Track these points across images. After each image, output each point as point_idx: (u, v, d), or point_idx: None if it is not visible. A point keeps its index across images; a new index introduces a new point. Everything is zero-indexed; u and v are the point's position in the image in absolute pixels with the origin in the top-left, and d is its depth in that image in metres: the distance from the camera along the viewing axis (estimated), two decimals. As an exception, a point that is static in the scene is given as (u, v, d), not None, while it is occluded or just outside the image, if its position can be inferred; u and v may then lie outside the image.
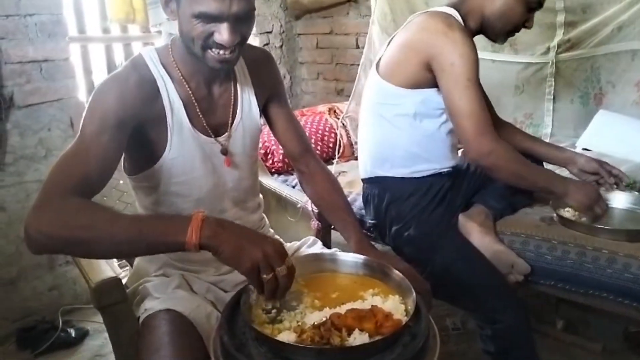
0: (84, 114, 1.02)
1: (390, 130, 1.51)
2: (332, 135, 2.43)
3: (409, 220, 1.49)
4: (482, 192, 1.57)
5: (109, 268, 1.18)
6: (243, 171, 1.22)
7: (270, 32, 3.08)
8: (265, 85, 1.25)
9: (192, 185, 1.15)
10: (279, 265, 0.84)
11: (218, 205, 1.19)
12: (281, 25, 3.14)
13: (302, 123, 2.42)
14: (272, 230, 1.40)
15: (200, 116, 1.13)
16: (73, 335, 2.03)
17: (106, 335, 2.00)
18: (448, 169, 1.54)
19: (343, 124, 2.45)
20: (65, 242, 0.87)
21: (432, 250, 1.44)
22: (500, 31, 1.45)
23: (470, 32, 1.43)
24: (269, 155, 2.27)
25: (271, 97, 1.28)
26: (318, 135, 2.41)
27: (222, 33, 0.98)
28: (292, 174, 2.27)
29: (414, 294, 0.91)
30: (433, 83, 1.41)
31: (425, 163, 1.51)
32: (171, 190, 1.14)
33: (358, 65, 2.67)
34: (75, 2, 2.33)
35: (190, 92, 1.11)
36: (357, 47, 2.96)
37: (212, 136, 1.15)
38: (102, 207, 0.93)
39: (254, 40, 3.01)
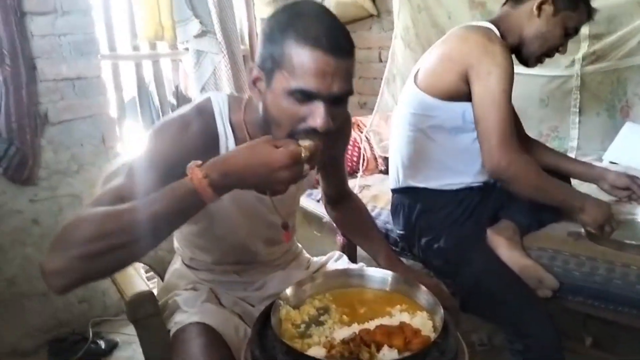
0: (141, 151, 0.97)
1: (424, 142, 1.52)
2: (356, 149, 2.44)
3: (439, 232, 1.50)
4: (509, 207, 1.57)
5: (143, 282, 1.21)
6: (287, 219, 1.19)
7: (294, 47, 3.12)
8: (335, 144, 1.23)
9: (232, 231, 1.17)
10: (299, 172, 0.82)
11: (253, 245, 1.21)
12: (305, 40, 3.18)
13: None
14: (299, 245, 1.43)
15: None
16: (103, 346, 2.08)
17: (135, 346, 2.07)
18: (479, 184, 1.54)
19: (367, 138, 2.47)
20: (89, 245, 0.78)
21: (462, 263, 1.45)
22: (534, 53, 1.46)
23: (510, 47, 1.45)
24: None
25: (334, 152, 1.27)
26: (342, 149, 2.43)
27: (316, 116, 0.88)
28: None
29: (442, 310, 0.91)
30: (469, 96, 1.42)
31: (459, 176, 1.52)
32: (211, 229, 1.16)
33: (381, 79, 2.69)
34: (106, 22, 2.40)
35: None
36: (380, 60, 2.98)
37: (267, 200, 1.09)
38: (109, 211, 0.81)
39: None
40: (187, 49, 2.61)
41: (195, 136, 0.98)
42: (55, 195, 2.09)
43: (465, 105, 1.44)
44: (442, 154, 1.51)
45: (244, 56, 2.94)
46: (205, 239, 1.20)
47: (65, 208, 2.11)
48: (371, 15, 2.92)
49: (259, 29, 3.08)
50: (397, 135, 1.62)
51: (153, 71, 2.61)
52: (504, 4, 1.53)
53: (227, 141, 1.03)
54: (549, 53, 1.47)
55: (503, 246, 1.46)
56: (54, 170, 2.08)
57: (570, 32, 1.44)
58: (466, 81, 1.40)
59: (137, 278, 1.23)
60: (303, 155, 0.83)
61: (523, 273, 1.41)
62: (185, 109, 1.04)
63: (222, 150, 1.02)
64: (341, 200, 1.39)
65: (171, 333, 1.11)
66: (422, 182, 1.55)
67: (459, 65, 1.40)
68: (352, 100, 3.15)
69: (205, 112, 1.02)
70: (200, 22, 2.50)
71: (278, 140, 0.85)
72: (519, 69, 2.28)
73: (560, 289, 1.41)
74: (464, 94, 1.43)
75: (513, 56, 1.49)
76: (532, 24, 1.44)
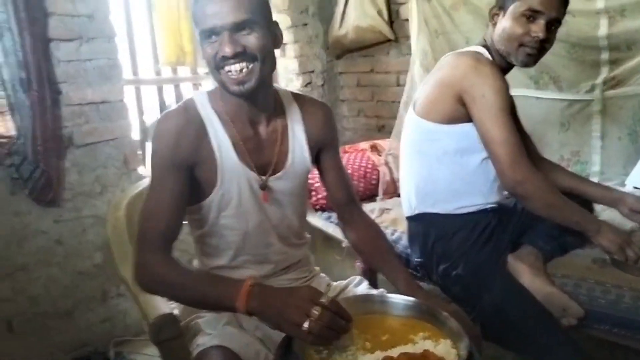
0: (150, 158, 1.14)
1: (431, 167, 1.53)
2: (375, 172, 2.45)
3: (456, 259, 1.49)
4: (530, 233, 1.56)
5: (166, 304, 1.22)
6: (287, 210, 1.25)
7: (312, 72, 3.16)
8: (319, 135, 1.28)
9: (239, 219, 1.19)
10: (309, 311, 0.89)
11: (264, 239, 1.23)
12: (323, 65, 3.22)
13: (344, 160, 2.49)
14: (317, 268, 1.43)
15: (248, 154, 1.17)
16: (123, 366, 2.08)
17: (155, 368, 2.06)
18: (493, 205, 1.54)
19: (386, 161, 2.47)
20: (162, 294, 1.16)
21: (481, 290, 1.43)
22: (510, 51, 1.45)
23: (500, 68, 1.47)
24: (313, 192, 2.30)
25: (325, 147, 1.31)
26: (360, 172, 2.44)
27: (222, 45, 1.03)
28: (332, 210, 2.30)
29: (467, 338, 0.91)
30: (469, 117, 1.45)
31: (469, 198, 1.52)
32: (220, 223, 1.20)
33: (399, 102, 2.71)
34: (129, 48, 2.46)
35: (236, 131, 1.16)
36: (398, 84, 3.00)
37: (258, 174, 1.18)
38: (182, 270, 1.08)
39: (297, 79, 3.10)
40: (207, 74, 2.66)
41: (185, 128, 1.12)
42: (79, 216, 2.12)
43: (467, 126, 1.46)
44: (451, 177, 1.52)
45: (264, 80, 2.99)
46: (217, 237, 1.23)
47: (89, 229, 2.15)
48: (389, 40, 2.95)
49: (277, 54, 3.13)
50: (405, 163, 1.64)
51: (174, 95, 2.66)
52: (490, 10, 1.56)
53: (213, 124, 1.15)
54: (522, 44, 1.43)
55: (526, 273, 1.44)
56: (78, 191, 2.12)
57: (529, 15, 1.40)
58: (463, 104, 1.44)
59: (160, 300, 1.25)
60: (323, 298, 0.92)
61: (547, 301, 1.39)
62: (171, 108, 1.18)
63: (211, 133, 1.14)
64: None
65: (193, 355, 1.12)
66: (434, 208, 1.55)
67: (453, 90, 1.44)
68: (370, 123, 3.20)
69: (189, 106, 1.16)
70: (221, 47, 2.54)
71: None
72: (538, 93, 2.34)
73: (585, 318, 1.39)
74: (463, 116, 1.46)
75: (524, 74, 1.51)
76: (494, 32, 1.48)
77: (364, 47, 3.07)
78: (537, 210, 1.42)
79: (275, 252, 1.25)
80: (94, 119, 2.15)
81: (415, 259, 1.62)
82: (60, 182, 2.06)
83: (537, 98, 2.36)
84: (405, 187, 1.65)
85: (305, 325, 0.88)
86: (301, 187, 1.29)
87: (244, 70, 1.06)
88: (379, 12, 2.84)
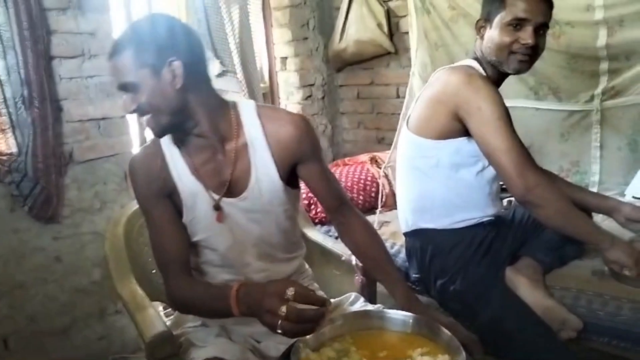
0: None
1: (427, 182, 1.53)
2: (374, 184, 2.45)
3: (453, 274, 1.48)
4: (529, 244, 1.55)
5: (162, 322, 1.22)
6: (267, 227, 1.23)
7: (312, 85, 3.18)
8: (290, 149, 1.21)
9: (213, 242, 1.22)
10: (277, 311, 0.89)
11: (240, 259, 1.23)
12: (323, 78, 3.24)
13: (344, 172, 2.49)
14: (316, 285, 1.42)
15: (206, 178, 1.19)
16: (121, 384, 2.07)
17: (153, 385, 2.05)
18: (490, 218, 1.53)
19: (385, 174, 2.47)
20: (193, 314, 1.25)
21: (480, 305, 1.42)
22: (501, 60, 1.45)
23: (492, 80, 1.47)
24: (312, 206, 2.30)
25: (301, 160, 1.24)
26: (360, 184, 2.44)
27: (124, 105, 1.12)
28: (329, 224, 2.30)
29: (464, 353, 0.90)
30: (463, 132, 1.45)
31: (465, 212, 1.51)
32: (199, 243, 1.23)
33: (398, 114, 2.71)
34: (131, 63, 2.47)
35: (193, 158, 1.19)
36: (398, 97, 3.01)
37: (222, 196, 1.19)
38: (197, 289, 1.15)
39: (297, 92, 3.12)
40: (207, 88, 2.68)
41: (150, 162, 1.19)
42: (78, 232, 2.13)
43: (461, 141, 1.47)
44: (446, 192, 1.51)
45: (264, 94, 3.00)
46: (200, 256, 1.26)
47: (87, 245, 2.14)
48: (389, 53, 2.97)
49: (278, 67, 3.16)
50: (401, 179, 1.64)
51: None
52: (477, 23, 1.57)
53: (172, 154, 1.19)
54: (511, 52, 1.43)
55: (524, 286, 1.44)
56: (77, 208, 2.12)
57: (514, 24, 1.41)
58: (457, 119, 1.43)
59: (157, 318, 1.25)
60: (289, 291, 0.91)
61: (546, 314, 1.38)
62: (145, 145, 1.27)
63: (170, 163, 1.19)
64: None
65: None
66: (430, 223, 1.54)
67: (447, 106, 1.43)
68: (370, 135, 3.20)
69: (155, 142, 1.21)
70: (221, 63, 2.57)
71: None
72: (537, 103, 2.34)
73: (584, 330, 1.38)
74: (457, 131, 1.46)
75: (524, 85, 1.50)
76: (482, 43, 1.49)
77: (364, 59, 3.09)
78: (550, 218, 1.38)
79: (255, 270, 1.23)
80: (95, 135, 2.16)
81: (413, 275, 1.62)
82: (60, 199, 2.06)
83: (537, 109, 2.36)
84: (402, 202, 1.65)
85: (278, 327, 0.89)
86: (278, 204, 1.23)
87: (149, 122, 1.12)
88: (379, 25, 2.86)
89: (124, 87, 1.09)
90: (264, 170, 1.20)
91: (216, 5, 2.54)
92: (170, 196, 1.19)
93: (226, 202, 1.19)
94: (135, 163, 1.22)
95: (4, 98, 1.93)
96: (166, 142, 1.20)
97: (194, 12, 2.52)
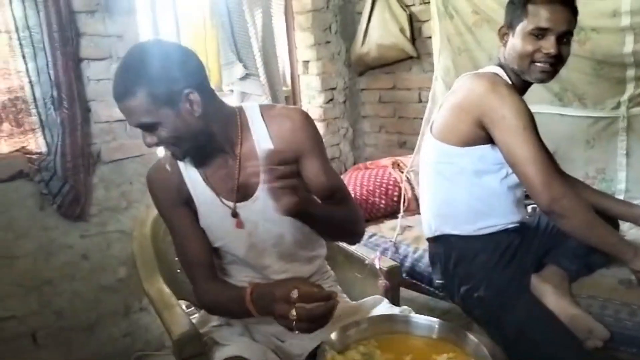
0: None
1: (450, 188, 1.53)
2: (396, 189, 2.45)
3: (477, 280, 1.48)
4: (555, 252, 1.53)
5: (189, 321, 1.24)
6: (284, 225, 1.22)
7: (334, 89, 3.19)
8: (290, 144, 1.20)
9: (230, 247, 1.24)
10: (287, 315, 0.94)
11: (260, 261, 1.25)
12: (345, 82, 3.25)
13: (365, 176, 2.50)
14: (339, 287, 1.43)
15: (218, 185, 1.20)
16: (144, 381, 2.10)
17: (176, 383, 2.07)
18: (514, 225, 1.52)
19: (407, 178, 2.47)
20: (222, 316, 1.30)
21: (504, 312, 1.41)
22: (523, 69, 1.44)
23: (516, 87, 1.46)
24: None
25: (301, 155, 1.21)
26: (382, 189, 2.44)
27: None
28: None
29: (490, 359, 0.90)
30: (487, 140, 1.44)
31: (489, 219, 1.51)
32: (219, 249, 1.26)
33: (421, 119, 2.71)
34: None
35: (204, 166, 1.21)
36: (420, 101, 3.00)
37: (235, 201, 1.20)
38: (221, 292, 1.19)
39: (319, 96, 3.13)
40: (231, 91, 2.71)
41: (166, 172, 1.22)
42: (105, 231, 2.17)
43: (484, 148, 1.46)
44: (470, 198, 1.51)
45: (286, 97, 3.03)
46: (221, 259, 1.29)
47: (114, 244, 2.19)
48: (411, 57, 2.97)
49: (300, 71, 3.18)
50: (425, 185, 1.64)
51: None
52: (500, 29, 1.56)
53: (185, 165, 1.22)
54: (533, 60, 1.42)
55: (550, 294, 1.42)
56: (104, 207, 2.16)
57: (537, 34, 1.39)
58: (481, 127, 1.42)
59: (184, 316, 1.27)
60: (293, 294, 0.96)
61: (572, 323, 1.37)
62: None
63: (183, 172, 1.22)
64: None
65: None
66: (454, 229, 1.54)
67: (471, 113, 1.42)
68: (392, 139, 3.20)
69: (167, 153, 1.23)
70: (244, 66, 2.59)
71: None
72: (562, 110, 2.32)
73: (611, 340, 1.37)
74: (481, 139, 1.45)
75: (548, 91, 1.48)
76: (505, 51, 1.47)
77: (386, 64, 3.09)
78: (575, 229, 1.37)
79: (276, 272, 1.25)
80: (121, 135, 2.20)
81: (437, 280, 1.62)
82: (88, 198, 2.11)
83: (562, 115, 2.34)
84: (425, 207, 1.65)
85: (294, 329, 0.95)
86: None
87: (171, 149, 1.14)
88: (402, 30, 2.86)
89: (143, 127, 1.10)
90: None
91: (240, 9, 2.57)
92: (188, 204, 1.22)
93: (240, 206, 1.20)
94: (152, 175, 1.26)
95: (34, 98, 1.97)
96: None
97: (218, 15, 2.56)
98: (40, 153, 2.01)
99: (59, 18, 1.93)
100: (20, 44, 1.92)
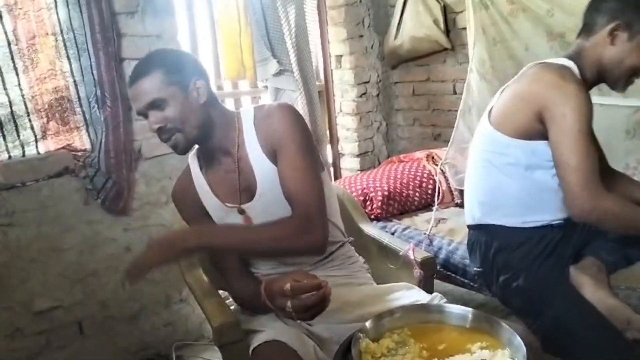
0: None
1: (500, 179, 1.50)
2: (431, 181, 2.44)
3: (517, 270, 1.47)
4: (594, 244, 1.51)
5: (228, 309, 1.28)
6: None
7: (367, 82, 3.20)
8: (269, 139, 1.24)
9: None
10: (284, 308, 1.04)
11: None
12: (378, 75, 3.25)
13: (399, 169, 2.50)
14: (369, 275, 1.46)
15: (221, 188, 1.29)
16: (184, 369, 2.17)
17: (214, 371, 2.13)
18: (560, 221, 1.49)
19: (442, 170, 2.46)
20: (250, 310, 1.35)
21: (543, 302, 1.41)
22: (619, 78, 1.40)
23: (587, 84, 1.40)
24: (368, 202, 2.33)
25: (276, 149, 1.23)
26: (416, 181, 2.44)
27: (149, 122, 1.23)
28: (391, 221, 2.31)
29: (524, 349, 0.90)
30: (544, 135, 1.39)
31: (537, 214, 1.48)
32: None
33: (455, 111, 2.68)
34: (194, 63, 2.58)
35: (208, 171, 1.31)
36: (455, 93, 2.98)
37: (240, 202, 1.28)
38: (251, 294, 1.21)
39: (352, 90, 3.14)
40: (266, 87, 2.75)
41: (183, 187, 1.37)
42: (146, 225, 2.24)
43: (540, 144, 1.41)
44: (520, 192, 1.48)
45: (320, 92, 3.05)
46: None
47: (155, 237, 2.26)
48: (445, 49, 2.95)
49: (333, 65, 3.19)
50: (473, 172, 1.61)
51: (235, 108, 2.76)
52: (578, 36, 1.47)
53: (195, 171, 1.34)
54: (635, 74, 1.39)
55: (588, 285, 1.40)
56: (145, 201, 2.24)
57: None
58: (540, 121, 1.37)
59: (223, 305, 1.32)
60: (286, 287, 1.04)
61: (610, 314, 1.35)
62: None
63: (194, 178, 1.34)
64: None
65: (250, 350, 1.19)
66: (499, 220, 1.52)
67: (532, 106, 1.37)
68: (426, 132, 3.19)
69: (185, 170, 1.39)
70: (278, 62, 2.63)
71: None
72: (601, 99, 2.26)
73: (651, 332, 1.34)
74: (537, 133, 1.40)
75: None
76: (608, 51, 1.38)
77: (419, 56, 3.08)
78: (613, 230, 1.41)
79: (291, 260, 1.32)
80: (161, 132, 2.26)
81: (475, 268, 1.61)
82: (130, 193, 2.18)
83: (601, 105, 2.27)
84: (470, 196, 1.62)
85: (295, 319, 1.05)
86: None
87: (170, 140, 1.23)
88: (435, 22, 2.84)
89: (152, 105, 1.19)
90: (265, 168, 1.25)
91: (273, 6, 2.61)
92: (207, 214, 1.34)
93: (246, 207, 1.28)
94: (175, 193, 1.40)
95: (79, 97, 2.06)
96: (194, 165, 1.35)
97: (252, 12, 2.60)
98: (84, 150, 2.10)
99: (101, 19, 2.00)
100: (65, 45, 2.00)
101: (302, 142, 1.21)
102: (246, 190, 1.27)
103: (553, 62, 1.43)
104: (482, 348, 0.97)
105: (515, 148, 1.44)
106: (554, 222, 1.48)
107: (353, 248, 1.46)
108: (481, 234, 1.57)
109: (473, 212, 1.60)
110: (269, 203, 1.24)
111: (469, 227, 1.64)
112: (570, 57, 1.43)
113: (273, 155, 1.23)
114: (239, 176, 1.27)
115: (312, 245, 1.18)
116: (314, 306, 1.02)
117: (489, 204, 1.54)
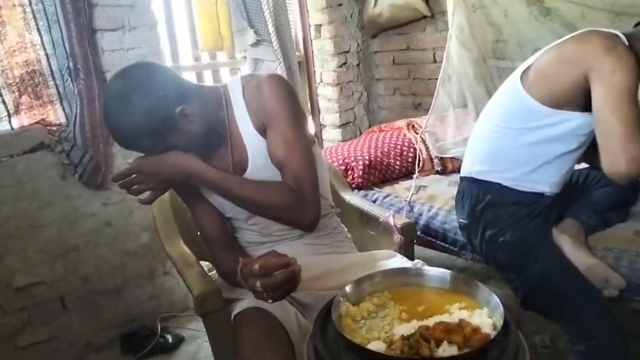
0: None
1: (512, 141, 1.48)
2: (411, 150, 2.45)
3: (505, 226, 1.48)
4: (575, 206, 1.53)
5: (209, 278, 1.29)
6: None
7: (347, 52, 3.17)
8: (258, 111, 1.23)
9: (238, 216, 1.31)
10: (254, 288, 1.01)
11: (262, 225, 1.31)
12: (358, 45, 3.22)
13: (380, 138, 2.50)
14: (353, 245, 1.46)
15: (215, 166, 1.23)
16: (170, 341, 2.18)
17: (199, 341, 2.17)
18: (552, 194, 1.50)
19: (422, 139, 2.47)
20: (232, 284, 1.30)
21: (528, 258, 1.44)
22: None
23: (636, 55, 1.31)
24: (349, 171, 2.33)
25: (265, 121, 1.22)
26: (397, 150, 2.44)
27: None
28: (372, 189, 2.32)
29: (502, 308, 0.92)
30: (576, 107, 1.36)
31: (535, 184, 1.48)
32: (230, 218, 1.34)
33: (436, 79, 2.68)
34: (170, 35, 2.53)
35: (200, 149, 1.25)
36: (435, 61, 2.97)
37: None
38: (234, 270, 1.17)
39: (332, 60, 3.11)
40: (244, 58, 2.71)
41: None
42: (126, 199, 2.22)
43: (570, 114, 1.37)
44: (527, 159, 1.46)
45: (299, 62, 3.01)
46: (233, 222, 1.35)
47: (135, 211, 2.24)
48: (425, 17, 2.92)
49: (312, 35, 3.15)
50: (484, 126, 1.58)
51: (213, 80, 2.72)
52: (636, 25, 1.42)
53: None
54: None
55: (568, 244, 1.44)
56: (124, 175, 2.21)
57: None
58: (583, 85, 1.32)
59: (204, 274, 1.32)
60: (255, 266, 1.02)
61: (589, 272, 1.38)
62: None
63: None
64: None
65: (232, 317, 1.19)
66: (497, 178, 1.51)
67: (577, 68, 1.32)
68: (406, 101, 3.18)
69: None
70: (256, 32, 2.58)
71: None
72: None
73: (626, 289, 1.38)
74: (572, 101, 1.36)
75: None
76: None
77: (399, 24, 3.05)
78: None
79: (278, 231, 1.32)
80: (137, 105, 2.22)
81: (460, 220, 1.63)
82: (108, 167, 2.15)
83: None
84: (474, 148, 1.61)
85: (267, 298, 1.01)
86: None
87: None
88: (414, -11, 2.81)
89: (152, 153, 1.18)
90: (252, 142, 1.24)
91: (251, -26, 2.55)
92: (198, 188, 1.30)
93: None
94: None
95: (51, 71, 2.01)
96: None
97: (229, -19, 2.54)
98: (59, 124, 2.06)
99: (71, -11, 1.94)
100: (34, 17, 1.94)
101: (293, 116, 1.20)
102: (238, 165, 1.26)
103: (602, 29, 1.38)
104: (460, 308, 0.98)
105: (538, 115, 1.41)
106: (546, 193, 1.49)
107: (339, 219, 1.47)
108: (474, 186, 1.57)
109: (472, 167, 1.59)
110: (261, 178, 1.23)
111: (462, 178, 1.64)
112: (624, 33, 1.37)
113: (264, 130, 1.22)
114: (231, 152, 1.25)
115: (304, 223, 1.20)
116: (283, 284, 0.99)
117: (491, 162, 1.53)
